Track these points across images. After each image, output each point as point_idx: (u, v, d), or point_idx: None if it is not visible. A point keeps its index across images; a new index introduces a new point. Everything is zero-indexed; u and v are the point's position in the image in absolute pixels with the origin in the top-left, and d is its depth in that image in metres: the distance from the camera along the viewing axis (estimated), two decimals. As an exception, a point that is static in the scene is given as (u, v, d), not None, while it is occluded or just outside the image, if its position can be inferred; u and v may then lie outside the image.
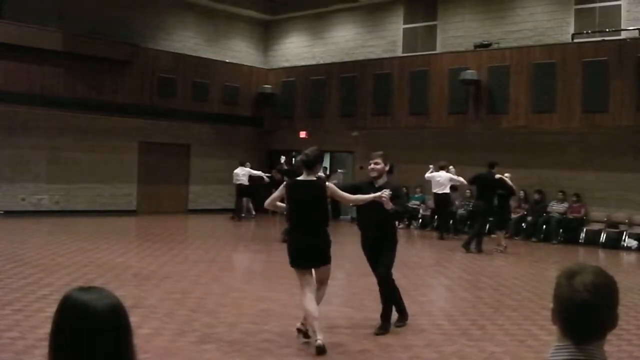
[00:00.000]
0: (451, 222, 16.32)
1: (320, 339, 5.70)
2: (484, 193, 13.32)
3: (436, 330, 6.81)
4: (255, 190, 18.41)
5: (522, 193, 16.17)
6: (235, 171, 18.70)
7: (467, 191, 17.42)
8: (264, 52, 23.10)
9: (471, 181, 13.86)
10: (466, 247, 13.18)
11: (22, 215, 16.58)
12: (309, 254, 5.99)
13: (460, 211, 17.35)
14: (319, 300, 6.11)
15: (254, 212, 19.40)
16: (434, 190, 15.41)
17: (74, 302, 1.63)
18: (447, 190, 15.28)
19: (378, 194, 6.06)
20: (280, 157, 19.26)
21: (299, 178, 6.09)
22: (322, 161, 6.33)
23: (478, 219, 13.72)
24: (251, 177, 18.56)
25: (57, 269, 9.43)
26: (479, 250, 13.19)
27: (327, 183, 6.19)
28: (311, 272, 6.10)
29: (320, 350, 5.66)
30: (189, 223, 18.16)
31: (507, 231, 14.43)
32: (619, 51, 14.35)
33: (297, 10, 21.87)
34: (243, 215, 18.95)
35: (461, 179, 15.35)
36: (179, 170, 20.46)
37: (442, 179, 15.15)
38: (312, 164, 6.01)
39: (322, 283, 6.24)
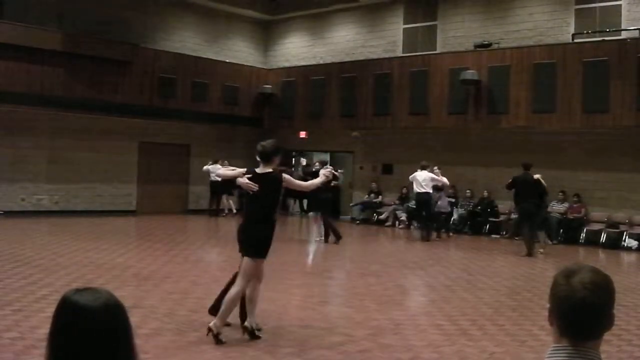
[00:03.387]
0: (434, 223, 15.78)
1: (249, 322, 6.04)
2: (528, 196, 13.00)
3: (436, 330, 6.80)
4: (232, 186, 18.89)
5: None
6: (209, 168, 19.14)
7: (467, 191, 17.44)
8: (264, 52, 23.09)
9: (510, 186, 13.46)
10: (530, 254, 12.78)
11: (22, 215, 16.57)
12: (257, 243, 6.08)
13: (461, 211, 17.35)
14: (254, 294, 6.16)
15: (234, 210, 19.23)
16: (416, 190, 15.20)
17: (70, 303, 1.63)
18: (429, 190, 14.94)
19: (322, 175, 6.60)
20: (300, 158, 19.14)
21: (257, 170, 6.13)
22: (279, 154, 6.28)
23: (527, 222, 13.19)
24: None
25: (57, 269, 9.42)
26: (530, 254, 12.82)
27: (283, 174, 6.20)
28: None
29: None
30: (189, 223, 18.16)
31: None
32: (619, 51, 14.35)
33: (297, 10, 21.88)
34: (225, 213, 19.31)
35: (444, 179, 15.32)
36: (179, 170, 20.46)
37: (423, 179, 15.05)
38: (269, 156, 6.09)
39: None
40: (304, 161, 15.90)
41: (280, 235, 13.65)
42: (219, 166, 19.29)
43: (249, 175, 6.06)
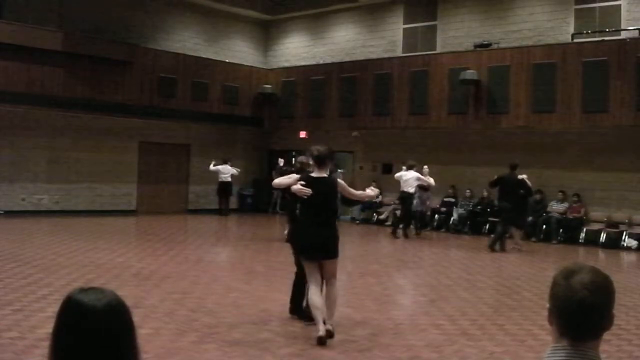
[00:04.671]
0: (412, 220, 16.04)
1: (321, 329, 5.99)
2: (509, 194, 13.44)
3: (436, 330, 6.81)
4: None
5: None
6: (218, 168, 19.19)
7: (467, 191, 17.44)
8: (264, 52, 23.10)
9: (494, 183, 13.95)
10: (492, 247, 13.38)
11: (22, 215, 16.58)
12: (322, 246, 6.19)
13: (460, 211, 17.34)
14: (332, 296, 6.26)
15: (229, 211, 19.63)
16: (401, 189, 15.42)
17: (74, 303, 1.64)
18: (411, 190, 15.18)
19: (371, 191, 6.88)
20: (278, 158, 19.15)
21: (312, 174, 6.28)
22: (332, 158, 6.54)
23: (503, 219, 13.77)
24: (231, 175, 19.50)
25: (57, 269, 9.43)
26: (502, 249, 13.44)
27: (338, 180, 6.48)
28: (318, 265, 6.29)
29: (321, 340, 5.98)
30: (189, 223, 18.16)
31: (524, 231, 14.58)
32: (619, 51, 14.35)
33: (297, 10, 21.88)
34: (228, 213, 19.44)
35: (431, 180, 15.49)
36: (179, 170, 20.47)
37: (408, 178, 15.17)
38: (324, 161, 6.25)
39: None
40: (281, 161, 15.59)
41: (280, 235, 13.70)
42: (228, 167, 19.30)
43: (302, 182, 6.19)
